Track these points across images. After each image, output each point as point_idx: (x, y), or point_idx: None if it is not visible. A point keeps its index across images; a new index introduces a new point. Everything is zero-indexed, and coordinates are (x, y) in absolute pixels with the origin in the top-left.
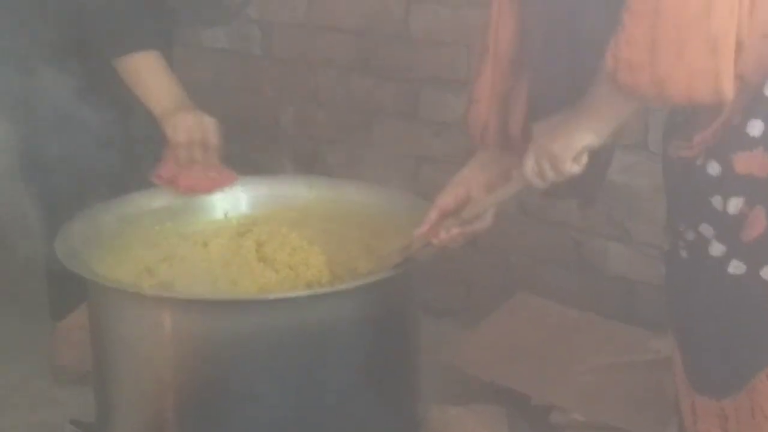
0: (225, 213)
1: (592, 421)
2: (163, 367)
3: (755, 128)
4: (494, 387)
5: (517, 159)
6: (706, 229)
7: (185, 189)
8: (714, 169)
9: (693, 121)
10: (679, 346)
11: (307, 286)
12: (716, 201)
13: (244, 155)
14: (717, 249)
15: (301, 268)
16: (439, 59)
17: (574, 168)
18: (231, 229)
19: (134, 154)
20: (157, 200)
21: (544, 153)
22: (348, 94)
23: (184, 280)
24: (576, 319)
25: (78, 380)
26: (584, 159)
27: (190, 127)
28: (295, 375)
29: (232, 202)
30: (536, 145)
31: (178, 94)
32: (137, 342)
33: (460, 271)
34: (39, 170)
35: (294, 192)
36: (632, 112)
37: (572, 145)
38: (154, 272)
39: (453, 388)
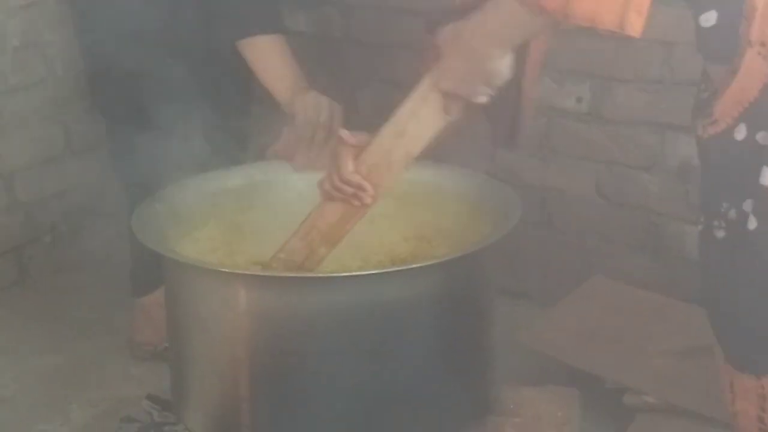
0: (300, 193)
1: (665, 404)
2: (238, 344)
3: None
4: (568, 368)
5: None
6: (747, 205)
7: (299, 167)
8: (741, 134)
9: (715, 94)
10: (715, 327)
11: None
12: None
13: None
14: (752, 222)
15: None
16: None
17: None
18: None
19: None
20: (233, 179)
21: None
22: None
23: (260, 255)
24: (651, 302)
25: (155, 357)
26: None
27: (320, 106)
28: (369, 352)
29: (308, 181)
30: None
31: (302, 78)
32: (212, 318)
33: (537, 254)
34: (126, 148)
35: None
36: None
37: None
38: (229, 248)
39: (527, 369)
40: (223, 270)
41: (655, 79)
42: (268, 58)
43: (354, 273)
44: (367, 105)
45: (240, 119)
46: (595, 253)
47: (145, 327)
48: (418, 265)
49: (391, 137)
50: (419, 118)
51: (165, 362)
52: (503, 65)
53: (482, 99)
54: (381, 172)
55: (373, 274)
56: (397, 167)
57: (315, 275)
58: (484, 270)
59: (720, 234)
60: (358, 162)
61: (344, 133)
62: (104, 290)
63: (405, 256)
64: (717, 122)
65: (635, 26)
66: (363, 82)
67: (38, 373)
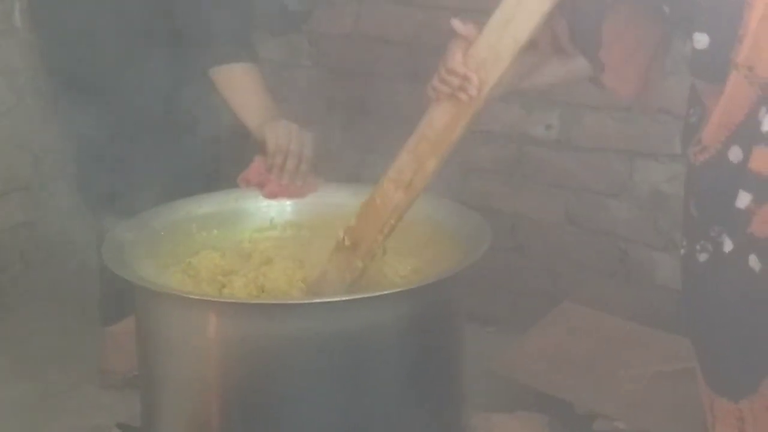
0: (270, 220)
1: (635, 430)
2: (208, 371)
3: (765, 124)
4: (538, 394)
5: None
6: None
7: (270, 194)
8: (737, 157)
9: (704, 120)
10: (696, 350)
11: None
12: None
13: None
14: (728, 244)
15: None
16: None
17: None
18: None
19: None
20: (204, 207)
21: None
22: (395, 105)
23: (230, 283)
24: (621, 328)
25: (125, 385)
26: None
27: (290, 135)
28: (339, 379)
29: (277, 209)
30: None
31: (274, 107)
32: (182, 345)
33: (506, 280)
34: (94, 177)
35: (338, 200)
36: None
37: None
38: (198, 276)
39: (497, 396)
40: (193, 297)
41: (623, 106)
42: (240, 86)
43: (322, 300)
44: (337, 132)
45: (210, 147)
46: (565, 279)
47: (114, 355)
48: (388, 291)
49: (499, 26)
50: (526, 1)
51: (135, 390)
52: None
53: None
54: (489, 66)
55: (341, 300)
56: (505, 59)
57: (281, 302)
58: (454, 296)
59: (702, 257)
60: (467, 56)
61: (455, 23)
62: (74, 319)
63: (375, 281)
64: (707, 148)
65: None
66: (332, 109)
67: (8, 402)
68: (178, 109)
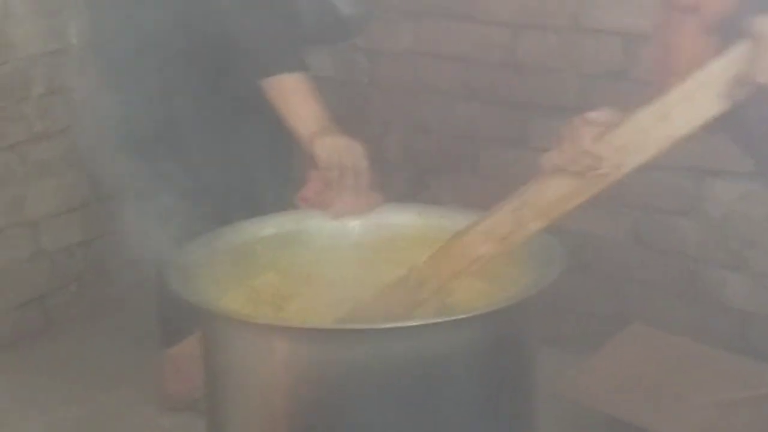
0: (334, 241)
1: None
2: (275, 396)
3: None
4: (607, 419)
5: None
6: None
7: (337, 213)
8: None
9: None
10: None
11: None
12: None
13: None
14: None
15: None
16: (547, 85)
17: None
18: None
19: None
20: (267, 228)
21: None
22: (454, 122)
23: (295, 308)
24: (691, 351)
25: (185, 408)
26: None
27: (342, 150)
28: (409, 405)
29: (341, 230)
30: None
31: (325, 118)
32: (249, 370)
33: (573, 300)
34: (155, 196)
35: (403, 220)
36: None
37: None
38: (265, 300)
39: (565, 420)
40: (260, 322)
41: None
42: (291, 97)
43: (398, 324)
44: (394, 150)
45: (279, 166)
46: (633, 299)
47: (174, 378)
48: (463, 316)
49: (652, 119)
50: (693, 101)
51: (194, 413)
52: None
53: None
54: (630, 153)
55: (414, 326)
56: (651, 151)
57: (350, 327)
58: (527, 319)
59: None
60: (602, 141)
61: (592, 115)
62: (130, 339)
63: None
64: None
65: None
66: (389, 127)
67: (65, 425)
68: (241, 129)
